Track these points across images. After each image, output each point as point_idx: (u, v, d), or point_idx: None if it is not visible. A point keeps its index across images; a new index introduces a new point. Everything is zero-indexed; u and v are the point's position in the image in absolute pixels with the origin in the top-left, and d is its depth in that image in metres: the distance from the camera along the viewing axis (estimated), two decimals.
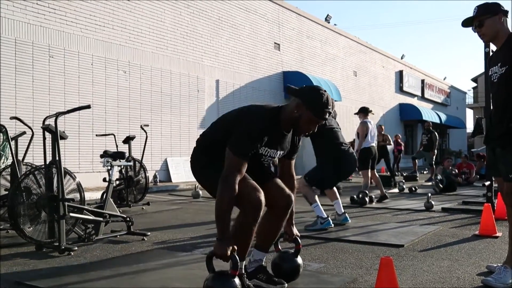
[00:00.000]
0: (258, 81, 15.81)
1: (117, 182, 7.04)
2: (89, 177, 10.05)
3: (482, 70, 6.66)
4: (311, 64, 19.03)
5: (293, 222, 3.06)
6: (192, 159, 2.88)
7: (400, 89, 27.43)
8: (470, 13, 3.20)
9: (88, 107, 4.24)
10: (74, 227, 4.38)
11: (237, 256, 2.47)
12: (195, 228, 5.36)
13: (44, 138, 4.35)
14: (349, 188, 10.61)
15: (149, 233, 4.79)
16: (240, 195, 2.54)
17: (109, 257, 3.92)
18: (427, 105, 30.71)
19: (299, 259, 3.02)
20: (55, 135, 4.15)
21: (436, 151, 13.56)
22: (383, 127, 12.82)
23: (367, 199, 7.57)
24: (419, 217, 6.24)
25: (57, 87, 10.00)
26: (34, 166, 5.01)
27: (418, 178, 14.05)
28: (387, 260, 2.44)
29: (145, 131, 7.99)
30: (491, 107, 3.24)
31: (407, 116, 26.98)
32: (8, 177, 5.13)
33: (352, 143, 10.48)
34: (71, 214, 4.20)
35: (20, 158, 5.31)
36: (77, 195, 4.49)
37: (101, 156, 5.40)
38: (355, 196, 7.76)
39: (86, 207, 4.52)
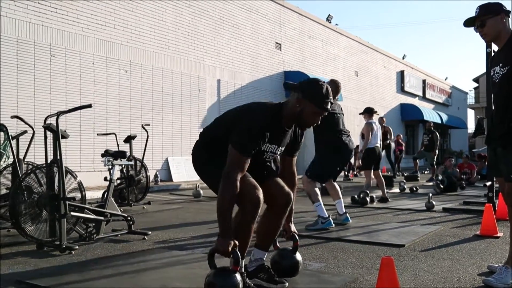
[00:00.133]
0: (259, 80, 15.80)
1: (118, 181, 7.04)
2: (90, 176, 10.06)
3: (484, 70, 6.67)
4: (312, 64, 19.02)
5: (292, 220, 3.07)
6: (193, 154, 2.90)
7: (401, 89, 27.42)
8: (471, 13, 3.21)
9: (90, 106, 4.24)
10: (75, 226, 4.39)
11: (238, 252, 2.48)
12: (196, 228, 5.36)
13: (46, 137, 4.35)
14: (350, 188, 10.61)
15: (150, 232, 4.80)
16: (239, 193, 2.55)
17: (110, 256, 3.92)
18: (429, 105, 30.70)
19: (298, 256, 3.02)
20: (57, 134, 4.16)
21: (437, 151, 13.55)
22: (384, 119, 12.79)
23: (368, 199, 7.56)
24: (420, 217, 6.23)
25: (58, 86, 10.01)
26: (35, 165, 5.01)
27: (419, 178, 14.03)
28: (388, 260, 2.44)
29: (146, 130, 7.99)
30: (493, 107, 3.24)
31: (408, 116, 26.97)
32: (9, 176, 5.14)
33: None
34: (72, 213, 4.21)
35: (21, 157, 5.31)
36: (78, 194, 4.50)
37: (102, 155, 5.41)
38: (356, 196, 7.76)
39: (87, 206, 4.52)
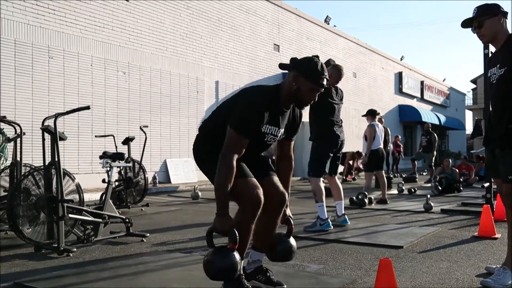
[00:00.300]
0: (257, 82, 15.78)
1: (116, 183, 7.04)
2: (88, 178, 10.04)
3: (481, 71, 6.67)
4: None
5: (287, 204, 3.05)
6: (194, 148, 2.90)
7: (399, 91, 27.45)
8: (469, 14, 3.21)
9: (88, 108, 4.24)
10: (73, 228, 4.38)
11: (236, 231, 2.49)
12: (194, 229, 5.35)
13: (44, 139, 4.34)
14: (348, 189, 10.60)
15: (148, 234, 4.79)
16: (240, 192, 2.57)
17: (108, 258, 3.91)
18: (427, 107, 30.74)
19: (292, 240, 2.98)
20: (54, 136, 4.15)
21: (435, 152, 13.57)
22: (383, 120, 12.81)
23: (366, 200, 7.57)
24: (418, 219, 6.24)
25: (56, 88, 10.00)
26: (33, 167, 5.00)
27: (417, 179, 14.05)
28: (386, 261, 2.44)
29: (144, 132, 7.98)
30: (490, 109, 3.24)
31: (407, 117, 27.00)
32: (7, 178, 5.13)
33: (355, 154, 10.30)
34: (70, 215, 4.20)
35: (18, 159, 5.30)
36: (76, 196, 4.49)
37: (101, 157, 5.40)
38: (354, 198, 7.76)
39: (85, 208, 4.52)
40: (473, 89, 49.25)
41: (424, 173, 18.12)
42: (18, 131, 5.08)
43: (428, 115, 27.34)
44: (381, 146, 8.10)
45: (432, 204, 6.97)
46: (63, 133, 4.41)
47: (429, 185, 11.69)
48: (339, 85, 5.77)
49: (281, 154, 3.04)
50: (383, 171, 8.26)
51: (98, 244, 4.47)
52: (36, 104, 9.56)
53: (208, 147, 2.80)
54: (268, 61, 16.52)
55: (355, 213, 6.75)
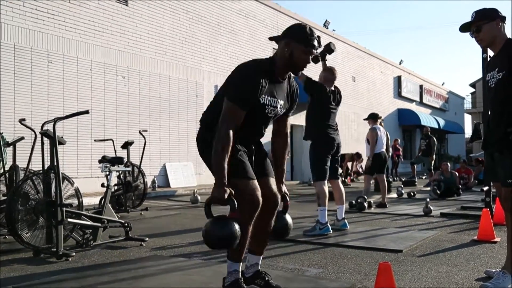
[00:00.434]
0: None
1: (116, 187, 7.03)
2: (87, 182, 10.04)
3: (480, 75, 6.69)
4: (309, 69, 18.97)
5: (283, 181, 3.05)
6: (198, 139, 2.90)
7: (398, 95, 27.50)
8: (468, 18, 3.22)
9: (87, 112, 4.24)
10: (72, 233, 4.37)
11: (234, 200, 2.49)
12: (194, 234, 5.34)
13: (43, 143, 4.35)
14: (348, 193, 10.57)
15: (147, 239, 4.79)
16: (240, 193, 2.57)
17: (107, 262, 3.91)
18: (426, 110, 30.78)
19: (288, 217, 2.97)
20: (54, 140, 4.15)
21: (434, 156, 13.58)
22: (382, 123, 12.80)
23: (365, 204, 7.57)
24: (417, 222, 6.24)
25: (56, 92, 10.00)
26: (32, 171, 5.00)
27: (416, 183, 14.05)
28: (385, 265, 2.43)
29: (143, 136, 7.99)
30: (489, 112, 3.25)
31: (406, 121, 27.04)
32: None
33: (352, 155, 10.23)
34: (69, 220, 4.20)
35: (17, 163, 5.30)
36: (75, 201, 4.49)
37: (100, 162, 5.39)
38: (353, 201, 7.76)
39: (84, 212, 4.51)
40: (472, 93, 49.34)
41: (424, 177, 18.12)
42: (33, 136, 5.16)
43: (427, 119, 27.38)
44: (384, 149, 8.12)
45: (431, 207, 6.97)
46: (62, 137, 4.42)
47: (428, 188, 11.69)
48: (338, 87, 5.79)
49: (277, 130, 3.04)
50: (384, 175, 8.26)
51: (97, 248, 4.46)
52: (35, 108, 9.56)
53: (210, 135, 2.79)
54: None
55: (355, 217, 6.74)
